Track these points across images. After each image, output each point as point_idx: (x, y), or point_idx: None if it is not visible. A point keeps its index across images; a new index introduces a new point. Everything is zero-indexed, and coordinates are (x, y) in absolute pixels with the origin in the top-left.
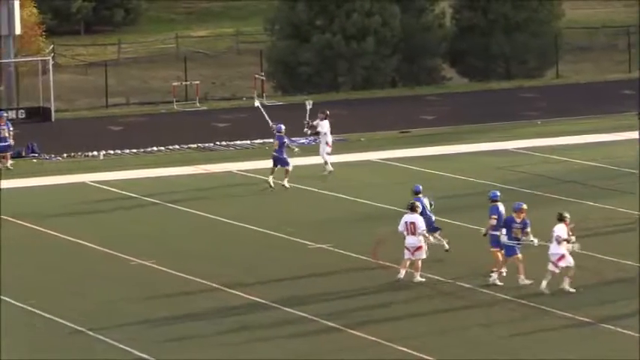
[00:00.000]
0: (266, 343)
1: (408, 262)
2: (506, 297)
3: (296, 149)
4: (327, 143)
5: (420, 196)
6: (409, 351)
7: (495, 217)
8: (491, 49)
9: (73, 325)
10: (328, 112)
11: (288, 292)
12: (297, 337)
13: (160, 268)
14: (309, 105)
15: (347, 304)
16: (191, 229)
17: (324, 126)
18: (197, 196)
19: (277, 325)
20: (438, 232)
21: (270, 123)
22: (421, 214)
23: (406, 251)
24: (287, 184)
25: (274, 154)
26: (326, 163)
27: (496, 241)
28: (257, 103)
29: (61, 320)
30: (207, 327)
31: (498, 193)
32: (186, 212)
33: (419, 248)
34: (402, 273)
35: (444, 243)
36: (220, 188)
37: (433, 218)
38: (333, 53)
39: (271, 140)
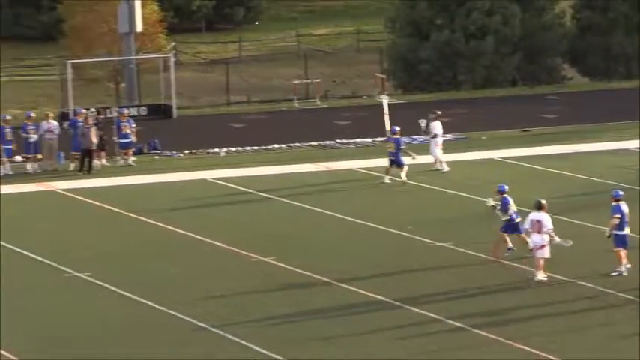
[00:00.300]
0: (389, 341)
1: (541, 261)
2: (628, 297)
3: (413, 156)
4: (436, 144)
5: (506, 195)
6: (531, 350)
7: (618, 216)
8: (612, 50)
9: (195, 322)
10: (439, 113)
11: (409, 290)
12: (421, 336)
13: (280, 264)
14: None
15: (468, 302)
16: (310, 226)
17: (435, 127)
18: (318, 194)
19: (400, 324)
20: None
21: (388, 126)
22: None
23: (536, 250)
24: (405, 178)
25: (390, 156)
26: (440, 162)
27: (620, 241)
28: (383, 101)
29: (184, 317)
30: (329, 324)
31: (621, 193)
32: (307, 209)
33: (542, 246)
34: (540, 274)
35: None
36: (341, 185)
37: (518, 219)
38: (452, 51)
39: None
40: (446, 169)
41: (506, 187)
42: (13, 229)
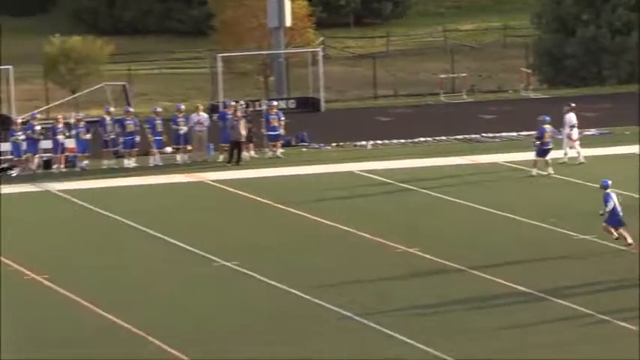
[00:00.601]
0: (535, 334)
1: None
2: None
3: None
4: (569, 136)
5: (609, 191)
6: None
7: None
8: None
9: (341, 311)
10: (573, 105)
11: (552, 281)
12: (568, 328)
13: (425, 255)
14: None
15: (608, 295)
16: (454, 218)
17: (570, 119)
18: (462, 185)
19: (543, 316)
20: (623, 228)
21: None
22: (612, 209)
23: None
24: (551, 171)
25: (540, 146)
26: (578, 153)
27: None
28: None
29: (330, 306)
30: (473, 315)
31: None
32: (450, 201)
33: None
34: None
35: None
36: (485, 177)
37: (621, 214)
38: (598, 47)
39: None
40: (582, 159)
41: (609, 182)
42: (163, 219)
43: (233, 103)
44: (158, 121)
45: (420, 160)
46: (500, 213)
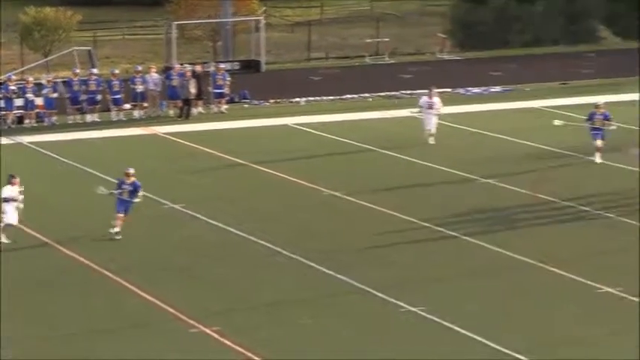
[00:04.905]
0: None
1: None
2: None
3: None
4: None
5: None
6: None
7: None
8: None
9: (272, 247)
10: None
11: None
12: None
13: (347, 197)
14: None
15: None
16: (374, 165)
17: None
18: (383, 137)
19: None
20: None
21: None
22: None
23: None
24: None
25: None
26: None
27: None
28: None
29: (262, 242)
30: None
31: None
32: (374, 150)
33: None
34: None
35: None
36: (404, 129)
37: None
38: (506, 14)
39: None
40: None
41: None
42: (119, 168)
43: (179, 66)
44: (115, 82)
45: (348, 114)
46: (408, 159)
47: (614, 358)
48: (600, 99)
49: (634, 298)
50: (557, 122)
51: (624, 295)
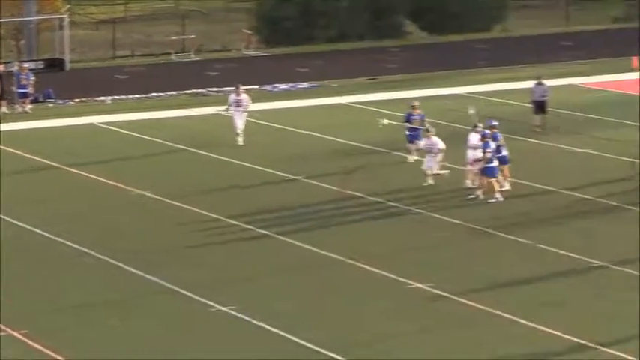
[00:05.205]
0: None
1: None
2: None
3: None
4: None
5: None
6: None
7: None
8: (448, 8)
9: (82, 248)
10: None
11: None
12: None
13: (155, 196)
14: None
15: None
16: (190, 168)
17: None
18: (188, 136)
19: None
20: None
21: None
22: None
23: None
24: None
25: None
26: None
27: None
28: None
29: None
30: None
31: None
32: (185, 150)
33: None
34: None
35: None
36: (211, 127)
37: None
38: (311, 10)
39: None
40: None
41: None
42: None
43: None
44: None
45: (154, 112)
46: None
47: (424, 353)
48: (406, 94)
49: (443, 293)
50: (385, 122)
51: (435, 290)
